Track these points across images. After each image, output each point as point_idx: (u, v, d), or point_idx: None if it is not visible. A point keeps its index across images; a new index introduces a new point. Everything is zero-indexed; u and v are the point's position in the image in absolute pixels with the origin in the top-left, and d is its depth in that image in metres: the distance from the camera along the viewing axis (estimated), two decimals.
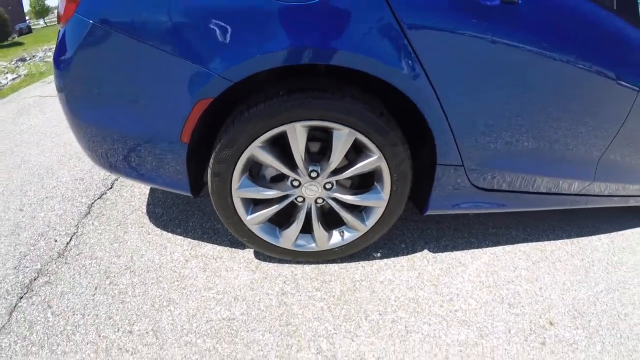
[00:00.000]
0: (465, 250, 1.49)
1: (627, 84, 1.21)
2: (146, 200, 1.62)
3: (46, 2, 50.85)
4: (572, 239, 1.80)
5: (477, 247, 1.53)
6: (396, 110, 1.02)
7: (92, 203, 1.62)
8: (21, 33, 28.45)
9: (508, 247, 1.61)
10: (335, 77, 0.95)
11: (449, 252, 1.45)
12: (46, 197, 1.71)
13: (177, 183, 1.04)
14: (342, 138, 0.93)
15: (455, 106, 0.95)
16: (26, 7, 47.16)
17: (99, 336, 1.04)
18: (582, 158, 1.37)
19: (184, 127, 0.91)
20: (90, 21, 0.86)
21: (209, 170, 1.00)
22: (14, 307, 1.14)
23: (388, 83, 0.88)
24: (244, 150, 0.94)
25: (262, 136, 0.92)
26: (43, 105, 3.45)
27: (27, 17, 45.32)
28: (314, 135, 1.00)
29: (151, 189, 1.69)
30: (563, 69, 1.03)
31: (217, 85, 0.85)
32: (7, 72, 9.44)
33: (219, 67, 0.83)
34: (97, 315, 1.09)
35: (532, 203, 1.45)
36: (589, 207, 1.76)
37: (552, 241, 1.75)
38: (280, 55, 0.82)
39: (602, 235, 1.89)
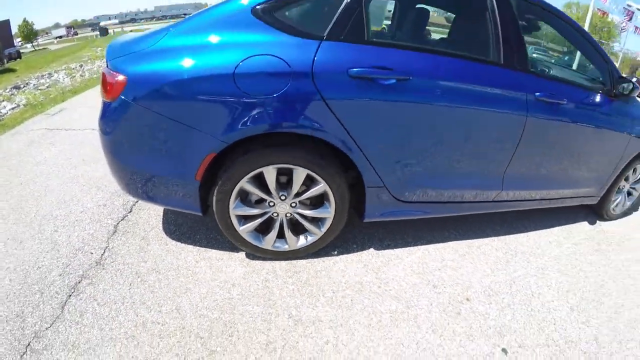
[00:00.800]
0: (403, 248, 1.99)
1: (516, 113, 1.70)
2: (161, 220, 2.09)
3: (34, 27, 50.99)
4: (500, 237, 2.28)
5: (414, 246, 2.03)
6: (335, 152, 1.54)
7: (117, 224, 2.08)
8: (10, 58, 28.51)
9: (440, 245, 2.10)
10: (295, 135, 1.46)
11: (390, 250, 1.95)
12: (76, 220, 2.15)
13: (192, 206, 1.53)
14: (299, 174, 1.44)
15: (370, 149, 1.47)
16: (13, 29, 47.24)
17: (137, 315, 1.49)
18: (489, 173, 1.87)
19: (198, 170, 1.41)
20: (130, 101, 1.35)
21: (214, 198, 1.49)
22: (65, 302, 1.56)
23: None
24: (237, 183, 1.44)
25: (248, 175, 1.43)
26: (52, 138, 3.76)
27: (17, 40, 45.29)
28: (282, 171, 1.50)
29: (163, 212, 2.17)
30: (456, 113, 1.55)
31: (219, 146, 1.36)
32: (3, 100, 9.75)
33: (220, 135, 1.34)
34: (133, 302, 1.55)
35: (453, 210, 1.94)
36: (506, 210, 2.27)
37: (481, 239, 2.23)
38: (254, 129, 1.34)
39: (530, 232, 2.37)
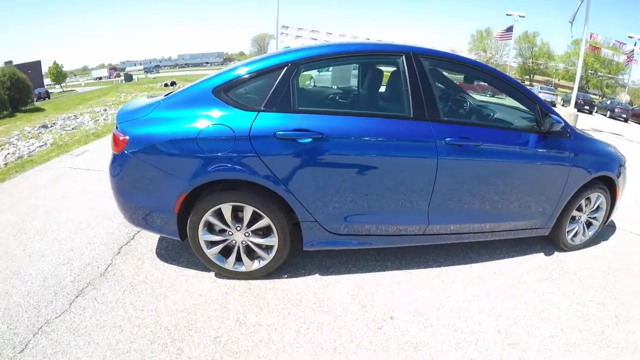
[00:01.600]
0: (344, 275, 2.42)
1: (426, 157, 2.10)
2: (155, 246, 2.66)
3: (63, 69, 54.93)
4: (442, 267, 2.54)
5: (354, 273, 2.46)
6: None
7: (121, 247, 2.66)
8: (40, 97, 30.92)
9: (378, 273, 2.44)
10: (243, 181, 2.04)
11: (332, 275, 2.41)
12: (89, 243, 2.75)
13: (173, 232, 2.12)
14: (247, 210, 2.03)
15: (299, 192, 2.02)
16: (44, 70, 51.08)
17: (125, 312, 2.00)
18: (412, 209, 2.22)
19: (175, 205, 2.02)
20: (130, 154, 2.00)
21: (188, 226, 2.09)
22: (73, 301, 2.09)
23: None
24: (203, 216, 2.03)
25: (210, 209, 2.02)
26: (75, 177, 4.50)
27: (46, 80, 48.73)
28: (237, 208, 2.08)
29: (157, 240, 2.75)
30: (370, 161, 2.04)
31: (189, 188, 1.97)
32: (32, 138, 10.85)
33: (188, 180, 1.95)
34: (124, 303, 2.07)
35: (383, 242, 2.32)
36: (446, 242, 2.57)
37: (422, 269, 2.50)
38: (211, 176, 1.95)
39: (475, 264, 2.63)
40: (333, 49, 2.30)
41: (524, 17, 23.72)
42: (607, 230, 3.39)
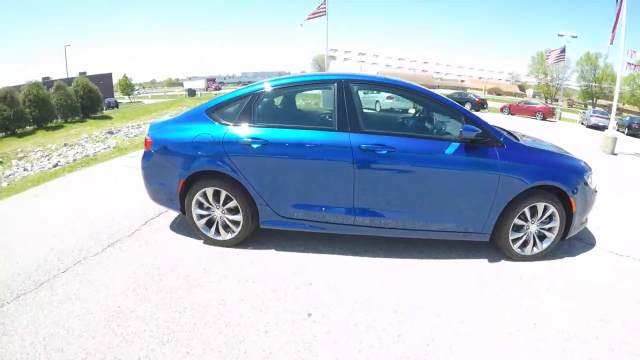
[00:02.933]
0: (293, 252, 3.11)
1: (345, 161, 2.75)
2: (168, 223, 3.74)
3: (132, 82, 61.24)
4: (374, 258, 3.09)
5: (301, 252, 3.10)
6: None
7: (147, 221, 3.76)
8: (109, 106, 35.12)
9: (321, 255, 3.02)
10: (220, 172, 2.95)
11: (283, 251, 3.19)
12: (126, 216, 3.87)
13: (176, 207, 3.14)
14: (223, 194, 2.99)
15: (255, 182, 2.89)
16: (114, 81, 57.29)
17: (136, 256, 3.05)
18: (339, 202, 2.90)
19: (178, 187, 3.05)
20: (153, 152, 3.09)
21: (186, 203, 3.10)
22: (105, 248, 3.15)
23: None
24: (194, 196, 3.03)
25: (199, 191, 3.00)
26: (127, 172, 5.91)
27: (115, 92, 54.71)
28: (216, 191, 3.05)
29: (173, 219, 3.81)
30: (303, 161, 2.80)
31: (185, 176, 2.98)
32: (98, 142, 12.98)
33: (186, 171, 2.97)
34: (136, 252, 3.12)
35: (320, 227, 3.02)
36: (383, 235, 3.03)
37: (359, 256, 3.03)
38: (198, 168, 2.94)
39: (412, 259, 3.06)
40: (283, 82, 3.18)
41: (576, 37, 22.95)
42: (581, 245, 3.48)
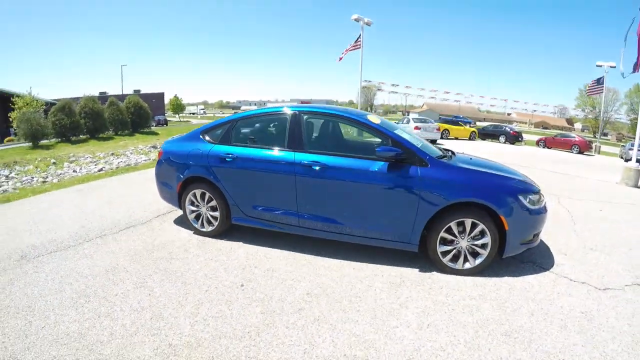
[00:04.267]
0: (255, 245, 4.02)
1: (289, 174, 3.48)
2: (173, 217, 4.78)
3: (183, 102, 66.01)
4: (316, 256, 4.12)
5: (261, 246, 4.08)
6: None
7: (159, 215, 4.84)
8: (159, 123, 38.42)
9: (275, 249, 3.83)
10: (205, 178, 3.94)
11: (248, 244, 4.04)
12: (144, 211, 5.01)
13: (176, 204, 4.18)
14: (207, 195, 3.95)
15: (228, 187, 3.81)
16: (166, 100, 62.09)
17: (147, 238, 4.08)
18: (288, 207, 3.58)
19: (177, 187, 4.09)
20: (163, 160, 4.19)
21: (181, 200, 4.12)
22: (121, 230, 4.23)
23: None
24: (187, 195, 4.03)
25: (190, 192, 4.01)
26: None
27: (165, 110, 59.30)
28: (202, 192, 4.02)
29: (178, 214, 4.86)
30: (261, 173, 3.62)
31: (181, 179, 4.01)
32: (142, 154, 14.68)
33: (182, 175, 4.01)
34: (144, 234, 4.15)
35: (277, 227, 3.76)
36: (313, 236, 3.63)
37: (305, 254, 3.82)
38: (191, 174, 3.96)
39: (346, 261, 3.73)
40: (253, 113, 4.12)
41: (614, 67, 22.41)
42: (530, 267, 3.59)
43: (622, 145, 24.50)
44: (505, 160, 12.17)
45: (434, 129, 18.97)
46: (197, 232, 4.16)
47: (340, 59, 25.57)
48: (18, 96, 20.02)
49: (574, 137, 24.45)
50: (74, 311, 2.63)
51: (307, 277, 3.23)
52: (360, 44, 24.00)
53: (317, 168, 3.45)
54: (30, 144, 16.24)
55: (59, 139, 18.39)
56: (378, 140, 3.57)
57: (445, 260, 3.34)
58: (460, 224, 3.24)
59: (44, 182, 8.40)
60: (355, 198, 3.41)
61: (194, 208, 4.11)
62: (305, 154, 3.54)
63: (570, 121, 70.08)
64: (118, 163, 11.52)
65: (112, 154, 14.20)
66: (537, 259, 3.80)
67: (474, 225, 3.21)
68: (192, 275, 3.19)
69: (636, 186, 9.19)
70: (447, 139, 23.52)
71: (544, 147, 24.62)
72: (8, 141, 20.17)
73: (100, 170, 9.98)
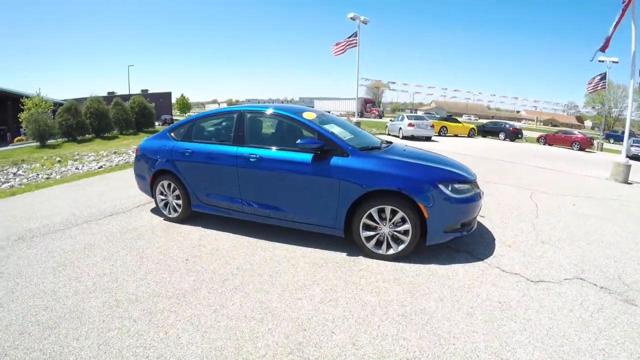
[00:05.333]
0: (208, 229, 4.74)
1: (232, 165, 4.05)
2: (149, 208, 5.55)
3: (191, 101, 67.05)
4: (257, 240, 4.83)
5: (211, 229, 4.81)
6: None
7: (139, 205, 5.62)
8: (165, 122, 39.47)
9: (224, 232, 4.78)
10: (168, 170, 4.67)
11: (202, 228, 4.74)
12: (128, 202, 5.79)
13: (149, 193, 4.94)
14: (171, 185, 4.67)
15: (187, 178, 4.49)
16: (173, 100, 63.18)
17: (120, 223, 4.84)
18: (233, 195, 4.13)
19: (149, 179, 4.83)
20: (139, 155, 4.95)
21: (153, 190, 4.87)
22: (105, 217, 5.00)
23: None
24: (157, 186, 4.77)
25: (159, 183, 4.74)
26: None
27: (173, 110, 60.47)
28: (169, 183, 4.75)
29: (151, 205, 5.62)
30: (211, 164, 4.24)
31: (152, 172, 4.75)
32: None
33: (152, 168, 4.75)
34: (122, 221, 4.92)
35: (227, 213, 4.39)
36: (258, 221, 4.23)
37: (250, 237, 4.48)
38: (158, 166, 4.68)
39: (288, 245, 4.38)
40: (208, 113, 4.79)
41: (617, 62, 22.25)
42: (463, 257, 3.70)
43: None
44: (493, 156, 12.88)
45: (428, 125, 19.40)
46: (166, 218, 4.89)
47: (336, 54, 26.02)
48: (27, 97, 21.21)
49: (575, 133, 24.36)
50: (52, 276, 3.38)
51: (243, 256, 3.76)
52: (356, 42, 24.47)
53: (254, 160, 3.95)
54: (38, 143, 17.33)
55: (66, 139, 19.52)
56: (307, 134, 3.93)
57: (370, 245, 3.57)
58: (382, 211, 3.45)
59: (47, 178, 9.29)
60: (286, 186, 3.82)
61: (162, 197, 4.84)
62: (245, 148, 4.07)
63: (580, 119, 69.13)
64: (118, 161, 12.39)
65: (115, 152, 15.13)
66: (475, 249, 3.91)
67: (394, 213, 3.41)
68: (150, 252, 3.90)
69: (626, 182, 9.08)
70: (446, 135, 23.87)
71: (544, 144, 24.64)
72: (18, 141, 21.47)
73: (101, 167, 10.86)
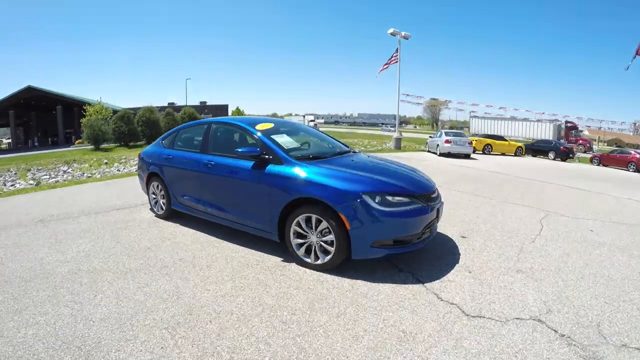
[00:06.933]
0: (179, 225, 5.69)
1: (198, 171, 4.69)
2: (145, 208, 6.61)
3: (246, 113, 70.56)
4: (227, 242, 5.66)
5: (179, 227, 5.72)
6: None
7: (144, 203, 6.71)
8: None
9: (192, 229, 5.67)
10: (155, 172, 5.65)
11: (172, 223, 5.69)
12: (135, 200, 6.92)
13: (145, 191, 5.99)
14: (157, 185, 5.63)
15: (167, 179, 5.37)
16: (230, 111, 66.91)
17: (120, 214, 5.91)
18: (199, 197, 4.77)
19: (145, 179, 5.87)
20: (140, 159, 6.03)
21: (147, 189, 5.89)
22: (114, 210, 6.13)
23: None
24: (149, 185, 5.78)
25: (152, 183, 5.73)
26: None
27: None
28: (158, 184, 5.72)
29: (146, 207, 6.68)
30: (184, 170, 5.00)
31: (147, 173, 5.76)
32: None
33: (147, 170, 5.76)
34: (125, 215, 5.99)
35: (196, 213, 5.11)
36: (221, 223, 4.79)
37: (213, 237, 5.62)
38: (149, 169, 5.67)
39: (238, 246, 5.24)
40: (187, 125, 5.61)
41: None
42: (402, 276, 3.54)
43: None
44: (528, 175, 12.44)
45: (466, 142, 19.02)
46: (156, 215, 5.85)
47: (380, 72, 26.59)
48: (89, 104, 24.35)
49: (632, 153, 22.45)
50: (47, 248, 4.41)
51: (193, 250, 4.30)
52: (397, 58, 24.89)
53: (211, 166, 4.52)
54: (93, 146, 19.86)
55: (118, 144, 22.06)
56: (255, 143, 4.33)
57: (300, 253, 3.71)
58: (310, 220, 3.57)
59: (89, 177, 10.91)
60: (231, 190, 4.28)
61: (154, 196, 5.82)
62: (207, 155, 4.69)
63: None
64: (132, 167, 13.98)
65: None
66: (422, 271, 3.70)
67: (319, 222, 3.49)
68: (126, 239, 4.79)
69: None
70: (490, 154, 23.28)
71: (598, 165, 22.93)
72: (78, 143, 24.58)
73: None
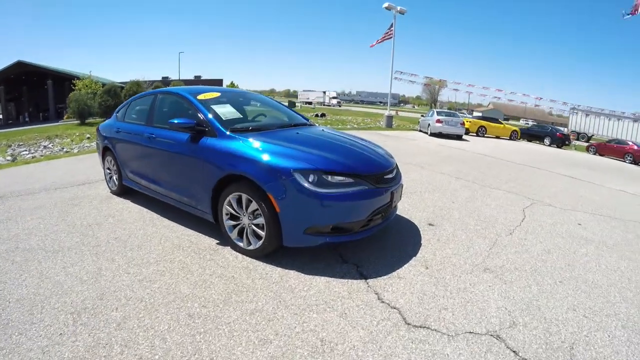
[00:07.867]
0: (137, 205, 5.94)
1: (142, 144, 4.55)
2: (104, 182, 6.86)
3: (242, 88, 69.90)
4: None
5: (140, 206, 5.97)
6: None
7: (102, 180, 6.98)
8: None
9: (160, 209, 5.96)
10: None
11: (130, 202, 5.94)
12: (100, 176, 7.17)
13: (101, 163, 6.26)
14: (112, 161, 5.87)
15: (117, 154, 5.44)
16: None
17: (105, 208, 6.18)
18: (143, 172, 4.82)
19: (101, 151, 6.13)
20: (97, 133, 6.18)
21: (103, 163, 6.13)
22: (77, 185, 6.39)
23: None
24: (105, 159, 6.06)
25: (106, 158, 6.00)
26: None
27: None
28: (110, 159, 5.93)
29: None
30: (133, 144, 4.85)
31: (104, 146, 6.05)
32: None
33: (101, 145, 6.04)
34: (107, 202, 6.27)
35: (143, 190, 5.12)
36: (165, 201, 4.75)
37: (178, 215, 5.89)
38: (102, 145, 5.87)
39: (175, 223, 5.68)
40: (138, 96, 5.52)
41: None
42: (344, 269, 3.22)
43: None
44: (519, 160, 12.33)
45: (458, 123, 18.90)
46: (111, 191, 6.08)
47: (373, 45, 26.25)
48: (78, 78, 24.23)
49: (629, 144, 22.44)
50: (4, 224, 4.68)
51: (132, 229, 4.32)
52: (392, 33, 24.45)
53: (152, 138, 4.34)
54: (79, 121, 20.00)
55: (104, 118, 22.13)
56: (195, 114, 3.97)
57: (233, 235, 3.44)
58: (240, 200, 3.26)
59: (68, 152, 11.15)
60: (170, 165, 4.07)
61: (108, 171, 6.03)
62: (150, 127, 4.51)
63: None
64: None
65: None
66: (369, 264, 3.32)
67: (249, 202, 3.18)
68: (72, 216, 5.00)
69: None
70: (484, 136, 23.13)
71: (594, 154, 23.00)
72: (67, 118, 24.70)
73: None
